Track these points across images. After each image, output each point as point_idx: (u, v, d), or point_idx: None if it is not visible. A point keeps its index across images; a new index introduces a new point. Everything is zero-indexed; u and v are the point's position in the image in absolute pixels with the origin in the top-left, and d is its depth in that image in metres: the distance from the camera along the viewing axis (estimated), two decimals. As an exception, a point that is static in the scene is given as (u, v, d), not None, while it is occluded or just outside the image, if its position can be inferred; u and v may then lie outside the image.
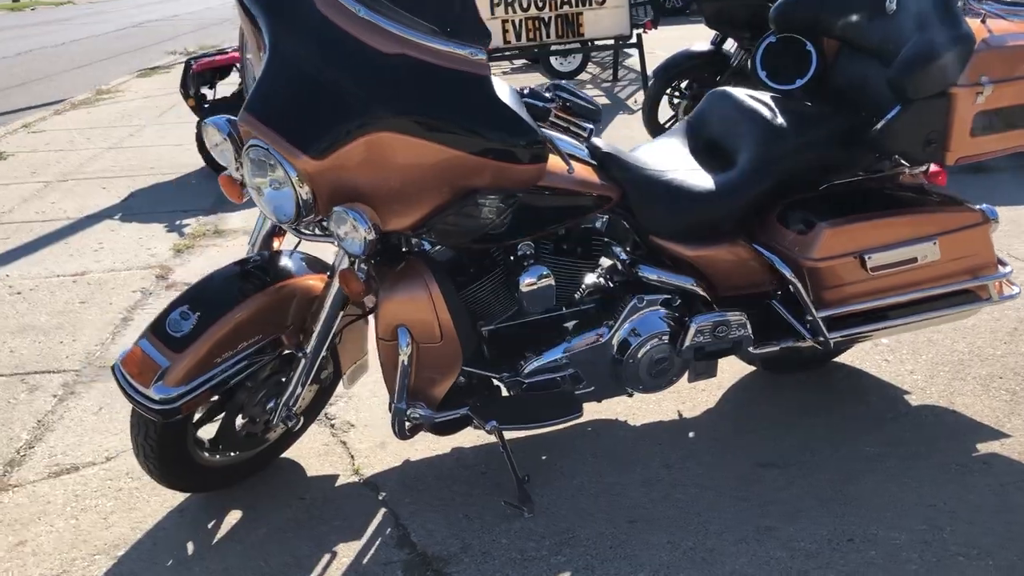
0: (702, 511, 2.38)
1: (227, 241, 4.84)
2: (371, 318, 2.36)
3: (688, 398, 2.92)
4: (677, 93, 5.88)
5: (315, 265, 2.46)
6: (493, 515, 2.41)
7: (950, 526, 2.26)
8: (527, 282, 2.35)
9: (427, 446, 2.72)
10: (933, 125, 2.39)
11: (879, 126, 2.39)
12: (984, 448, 2.56)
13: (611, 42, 8.10)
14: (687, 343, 2.51)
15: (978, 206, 2.57)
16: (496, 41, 8.09)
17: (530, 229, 2.33)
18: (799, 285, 2.43)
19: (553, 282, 2.38)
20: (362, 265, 2.19)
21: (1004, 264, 2.62)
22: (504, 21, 7.91)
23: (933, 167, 2.68)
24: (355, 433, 2.84)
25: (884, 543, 2.21)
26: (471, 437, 2.72)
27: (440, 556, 2.27)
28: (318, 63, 2.08)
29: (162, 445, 2.32)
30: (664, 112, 5.93)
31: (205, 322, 2.21)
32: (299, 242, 2.38)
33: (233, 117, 2.27)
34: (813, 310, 2.46)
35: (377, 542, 2.34)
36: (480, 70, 2.05)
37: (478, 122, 2.05)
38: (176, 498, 2.54)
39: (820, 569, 2.13)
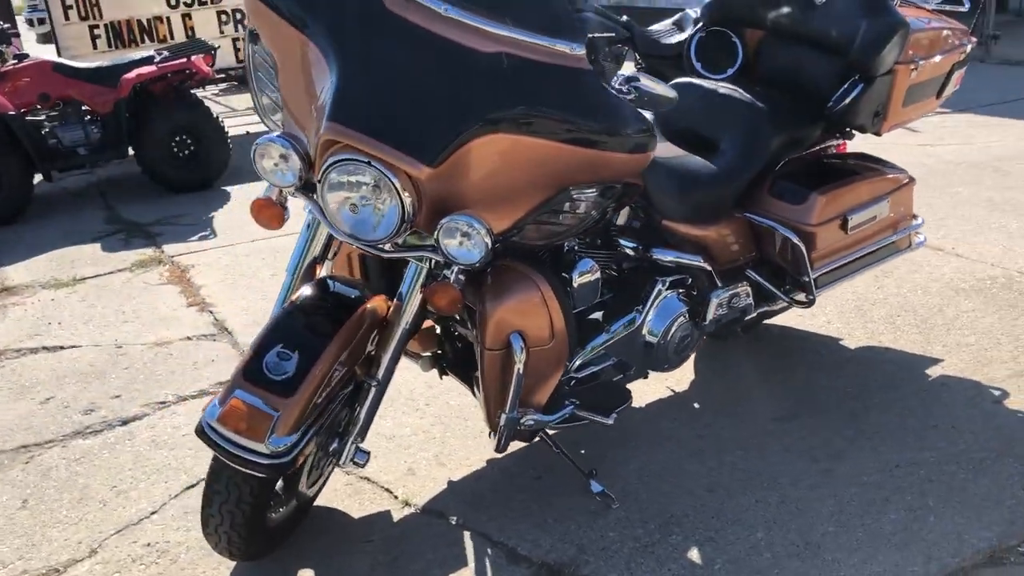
0: (762, 468, 2.55)
1: (24, 299, 4.19)
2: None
3: (661, 376, 3.06)
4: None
5: (363, 287, 2.29)
6: (581, 514, 2.40)
7: (961, 439, 2.63)
8: (579, 275, 2.37)
9: (458, 462, 2.64)
10: (881, 99, 2.77)
11: (845, 103, 2.71)
12: (933, 372, 3.00)
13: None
14: (710, 317, 2.67)
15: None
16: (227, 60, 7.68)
17: (596, 222, 2.35)
18: (803, 248, 2.68)
19: (599, 275, 2.42)
20: (460, 275, 2.08)
21: (916, 217, 3.08)
22: (235, 40, 7.54)
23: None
24: (372, 466, 2.65)
25: (925, 464, 2.52)
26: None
27: (563, 562, 2.23)
28: (411, 66, 1.96)
29: (256, 508, 2.05)
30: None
31: (307, 361, 1.98)
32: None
33: (291, 133, 2.05)
34: (810, 269, 2.73)
35: (487, 565, 2.24)
36: (582, 64, 2.04)
37: (589, 114, 2.04)
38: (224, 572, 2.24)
39: (896, 494, 2.40)
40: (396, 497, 2.52)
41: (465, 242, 1.97)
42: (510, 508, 2.44)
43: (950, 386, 2.91)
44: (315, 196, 2.02)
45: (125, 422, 3.00)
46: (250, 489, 2.03)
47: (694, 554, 2.23)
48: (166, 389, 3.21)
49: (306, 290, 2.15)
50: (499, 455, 2.66)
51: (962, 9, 3.04)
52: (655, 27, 5.76)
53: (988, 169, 5.40)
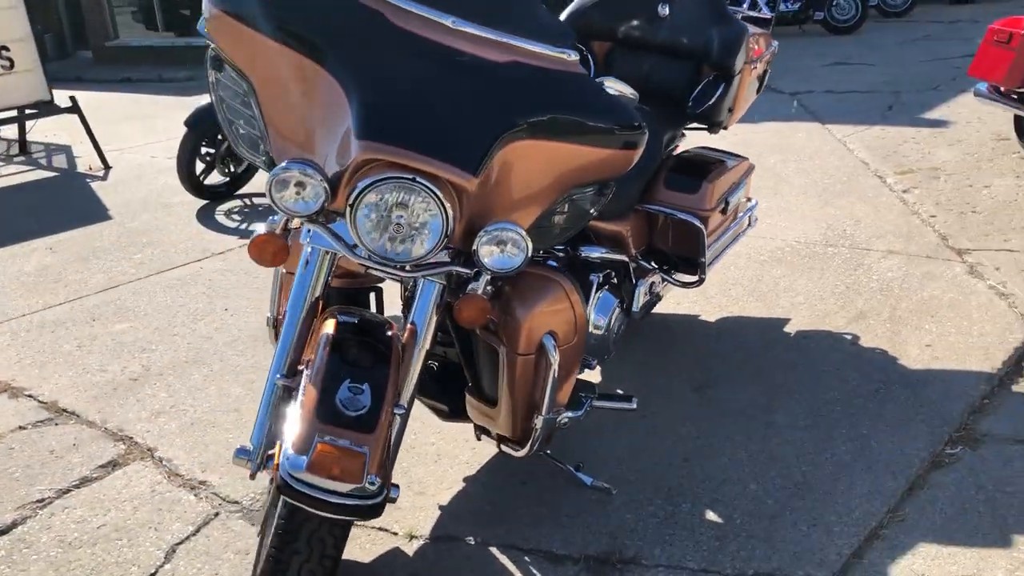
0: (715, 432, 2.79)
1: None
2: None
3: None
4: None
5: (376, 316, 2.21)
6: (589, 505, 2.48)
7: (851, 377, 3.07)
8: None
9: (436, 487, 2.60)
10: (733, 96, 3.15)
11: (709, 102, 3.05)
12: (790, 329, 3.45)
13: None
14: (639, 305, 2.87)
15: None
16: None
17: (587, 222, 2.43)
18: (704, 231, 2.97)
19: None
20: (488, 287, 2.09)
21: (751, 199, 3.53)
22: None
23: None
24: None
25: (837, 402, 2.92)
26: (460, 458, 2.68)
27: (605, 551, 2.29)
28: (433, 80, 1.94)
29: (336, 561, 1.90)
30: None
31: (378, 391, 1.87)
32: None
33: (307, 157, 1.94)
34: (706, 250, 3.03)
35: (534, 572, 2.25)
36: (579, 69, 2.15)
37: (597, 115, 2.12)
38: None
39: (834, 430, 2.76)
40: (397, 533, 2.41)
41: (508, 250, 1.98)
42: (519, 516, 2.44)
43: (812, 337, 3.36)
44: (336, 222, 1.93)
45: (5, 531, 2.54)
46: (333, 541, 1.88)
47: (711, 516, 2.40)
48: (37, 486, 2.76)
49: (331, 324, 2.02)
50: (471, 472, 2.66)
51: (766, 17, 3.53)
52: None
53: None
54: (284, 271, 2.41)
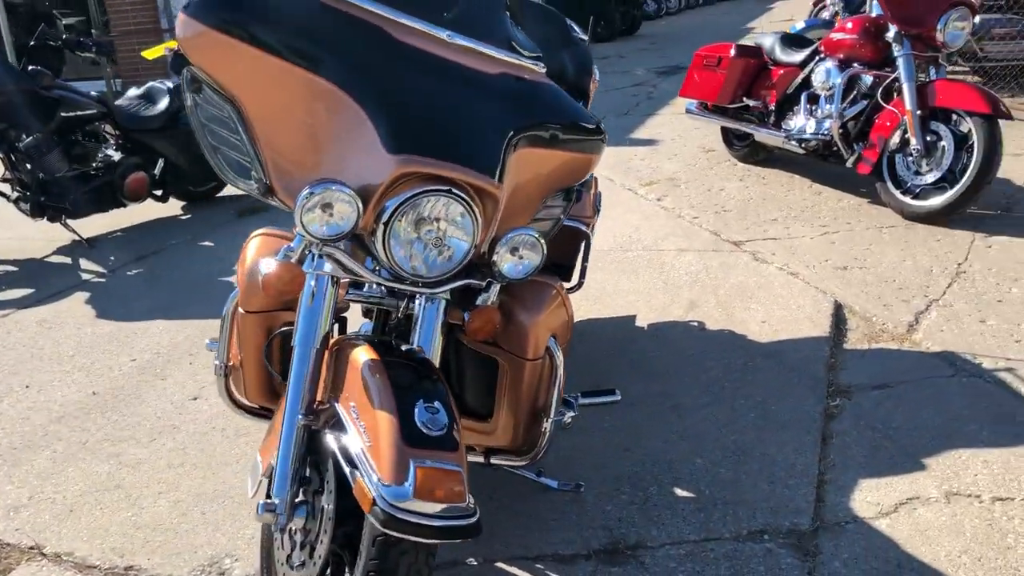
0: (644, 421, 2.98)
1: None
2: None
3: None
4: None
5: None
6: (567, 506, 2.54)
7: (723, 356, 3.40)
8: None
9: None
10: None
11: None
12: (643, 322, 3.72)
13: None
14: None
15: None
16: None
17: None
18: (591, 236, 3.15)
19: None
20: (494, 298, 2.11)
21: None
22: None
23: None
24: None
25: (722, 380, 3.23)
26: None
27: (609, 543, 2.37)
28: (441, 92, 1.94)
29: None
30: None
31: (448, 408, 1.82)
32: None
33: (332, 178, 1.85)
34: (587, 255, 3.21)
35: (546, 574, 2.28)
36: (548, 79, 2.24)
37: (577, 124, 2.22)
38: None
39: (738, 400, 3.05)
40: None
41: (527, 255, 2.02)
42: (505, 529, 2.44)
43: (664, 328, 3.66)
44: (362, 244, 1.87)
45: None
46: (428, 570, 1.78)
47: (682, 492, 2.56)
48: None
49: (367, 349, 1.91)
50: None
51: (583, 38, 3.80)
52: (122, 102, 5.54)
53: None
54: (243, 311, 2.22)
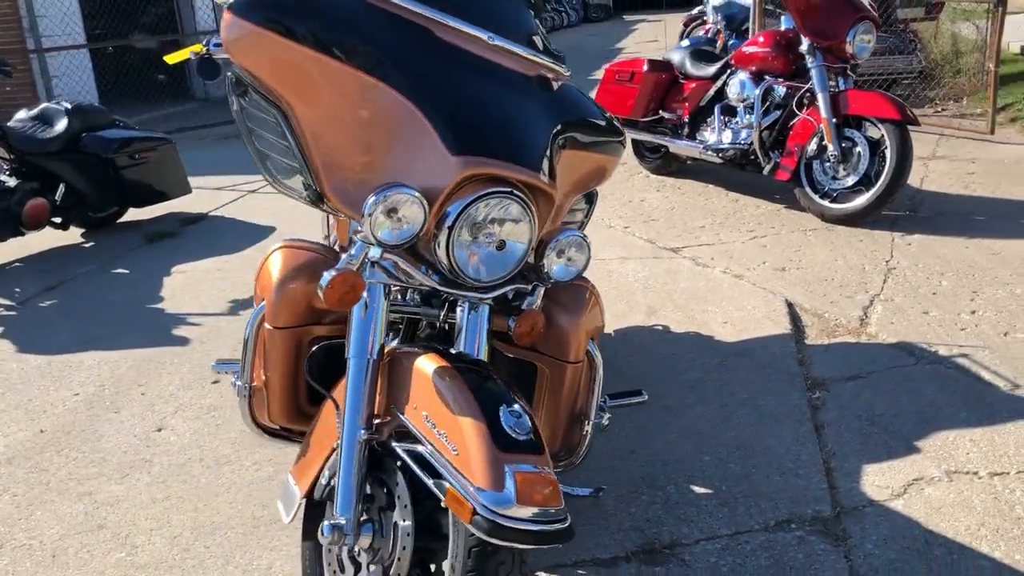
0: (646, 422, 3.00)
1: None
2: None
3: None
4: None
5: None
6: (590, 510, 2.53)
7: (698, 359, 3.47)
8: None
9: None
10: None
11: None
12: (626, 323, 3.75)
13: None
14: None
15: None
16: None
17: None
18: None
19: None
20: (539, 301, 2.08)
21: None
22: None
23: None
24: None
25: (711, 367, 3.30)
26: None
27: (644, 543, 2.37)
28: (491, 93, 1.92)
29: None
30: None
31: (528, 412, 1.79)
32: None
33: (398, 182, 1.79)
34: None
35: (602, 579, 2.27)
36: (572, 82, 2.25)
37: (603, 126, 2.23)
38: None
39: (726, 396, 3.12)
40: None
41: (576, 257, 2.02)
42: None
43: (632, 334, 3.70)
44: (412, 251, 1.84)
45: None
46: (523, 559, 1.73)
47: (699, 490, 2.60)
48: None
49: (435, 357, 1.84)
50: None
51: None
52: (14, 124, 5.26)
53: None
54: (271, 327, 2.11)
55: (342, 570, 1.95)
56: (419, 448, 1.74)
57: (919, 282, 4.03)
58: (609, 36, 19.51)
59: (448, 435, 1.69)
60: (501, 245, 1.85)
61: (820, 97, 4.91)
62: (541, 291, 2.03)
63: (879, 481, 2.57)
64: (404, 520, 1.80)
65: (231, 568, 2.37)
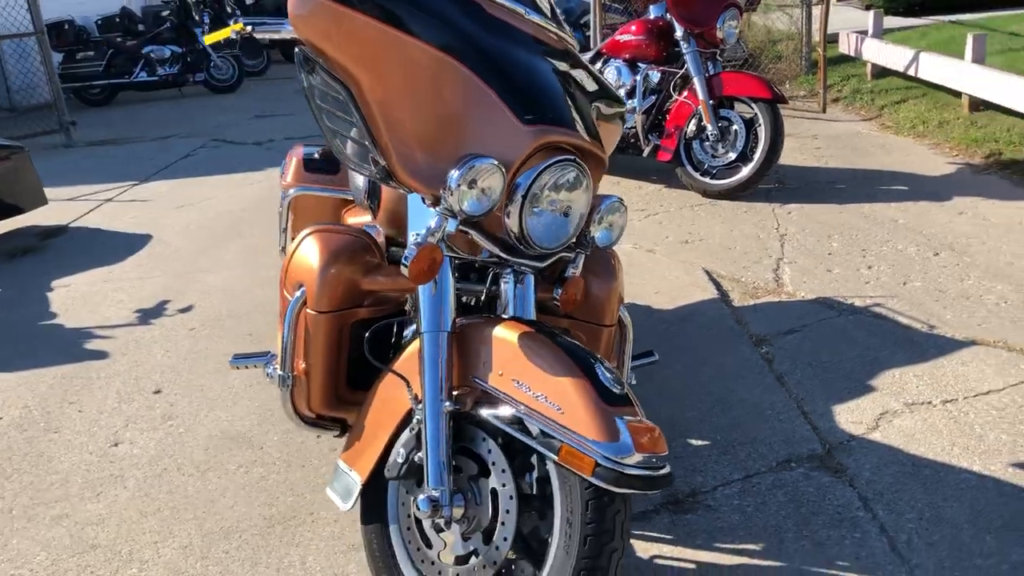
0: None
1: None
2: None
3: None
4: None
5: None
6: (605, 472, 2.63)
7: (650, 317, 3.62)
8: None
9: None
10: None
11: None
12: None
13: None
14: None
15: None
16: None
17: None
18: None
19: None
20: (580, 268, 2.16)
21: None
22: None
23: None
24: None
25: (664, 337, 3.46)
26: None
27: (672, 495, 2.50)
28: (537, 64, 1.99)
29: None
30: None
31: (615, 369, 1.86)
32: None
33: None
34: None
35: (635, 532, 2.37)
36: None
37: (616, 97, 2.32)
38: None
39: (687, 353, 3.30)
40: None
41: (616, 221, 2.11)
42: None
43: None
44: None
45: None
46: (629, 523, 1.80)
47: (698, 442, 2.74)
48: None
49: (515, 324, 1.88)
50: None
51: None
52: None
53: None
54: (315, 312, 2.07)
55: (428, 545, 1.95)
56: (510, 413, 1.76)
57: (812, 245, 4.38)
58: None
59: (548, 396, 1.73)
60: (567, 211, 1.89)
61: (696, 81, 5.20)
62: (582, 258, 2.10)
63: (851, 418, 2.81)
64: (504, 484, 1.82)
65: (262, 569, 2.29)
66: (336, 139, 1.85)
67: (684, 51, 5.29)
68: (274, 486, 2.64)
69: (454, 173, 1.73)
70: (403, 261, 1.76)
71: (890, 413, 2.82)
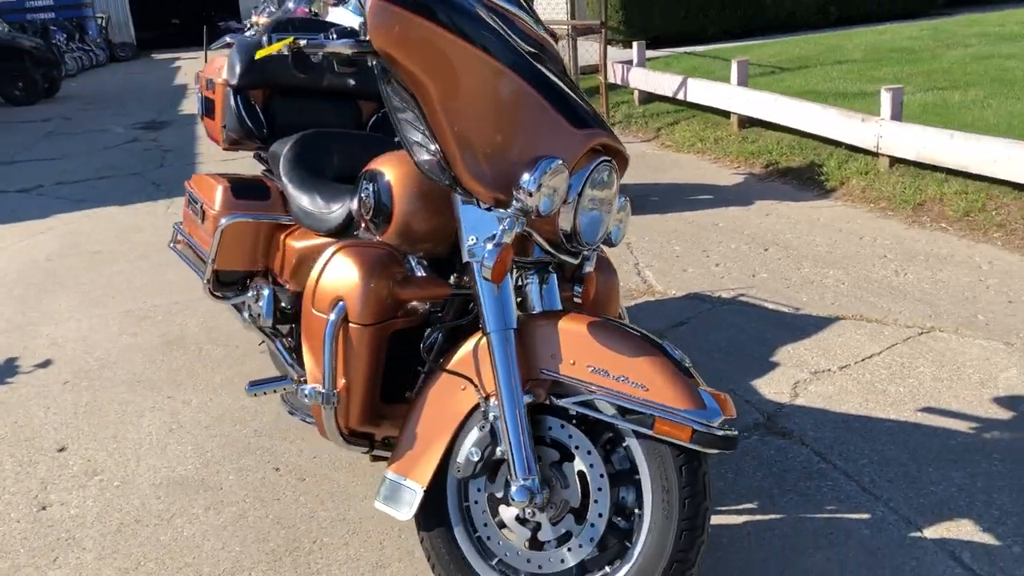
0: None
1: None
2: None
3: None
4: None
5: None
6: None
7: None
8: None
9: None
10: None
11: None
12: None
13: None
14: None
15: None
16: None
17: None
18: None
19: None
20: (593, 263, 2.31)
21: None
22: None
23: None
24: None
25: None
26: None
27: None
28: (560, 71, 2.16)
29: None
30: None
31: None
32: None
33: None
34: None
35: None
36: None
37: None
38: None
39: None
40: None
41: (624, 217, 2.31)
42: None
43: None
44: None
45: None
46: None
47: (653, 426, 2.96)
48: None
49: (579, 317, 2.00)
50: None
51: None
52: None
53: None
54: (358, 325, 2.07)
55: (507, 539, 2.00)
56: (589, 398, 1.88)
57: (658, 250, 4.77)
58: (157, 74, 18.65)
59: (630, 377, 1.86)
60: (608, 208, 2.04)
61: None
62: (595, 255, 2.25)
63: (772, 390, 3.15)
64: (591, 465, 1.93)
65: (296, 598, 2.21)
66: (411, 148, 1.88)
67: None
68: (257, 522, 2.53)
69: (526, 176, 1.83)
70: (483, 263, 1.83)
71: (802, 382, 3.18)
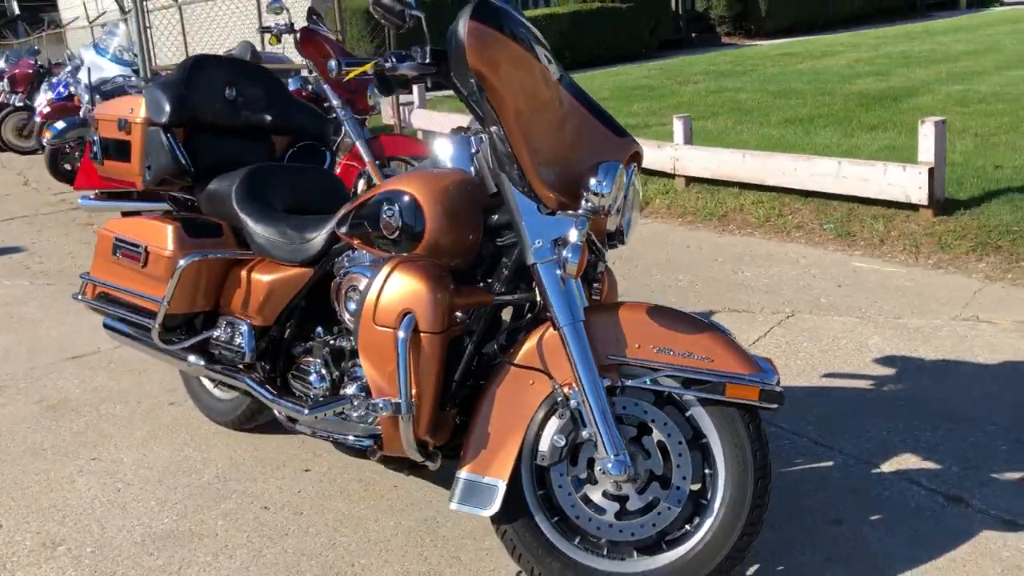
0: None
1: None
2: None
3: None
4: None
5: None
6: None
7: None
8: None
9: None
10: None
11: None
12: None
13: None
14: None
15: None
16: None
17: None
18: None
19: None
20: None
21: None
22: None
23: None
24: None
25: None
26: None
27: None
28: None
29: None
30: None
31: None
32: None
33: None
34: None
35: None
36: None
37: None
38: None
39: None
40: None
41: (637, 218, 2.57)
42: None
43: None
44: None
45: None
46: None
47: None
48: None
49: (636, 304, 2.22)
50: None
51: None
52: None
53: None
54: (430, 333, 2.17)
55: (599, 513, 2.15)
56: (661, 375, 2.11)
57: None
58: None
59: (695, 351, 2.11)
60: (643, 207, 2.29)
61: (359, 144, 5.56)
62: (607, 254, 2.48)
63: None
64: (669, 434, 2.14)
65: (366, 621, 2.21)
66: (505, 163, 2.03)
67: (343, 118, 5.62)
68: (280, 557, 2.48)
69: (594, 180, 2.04)
70: (567, 261, 2.01)
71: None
